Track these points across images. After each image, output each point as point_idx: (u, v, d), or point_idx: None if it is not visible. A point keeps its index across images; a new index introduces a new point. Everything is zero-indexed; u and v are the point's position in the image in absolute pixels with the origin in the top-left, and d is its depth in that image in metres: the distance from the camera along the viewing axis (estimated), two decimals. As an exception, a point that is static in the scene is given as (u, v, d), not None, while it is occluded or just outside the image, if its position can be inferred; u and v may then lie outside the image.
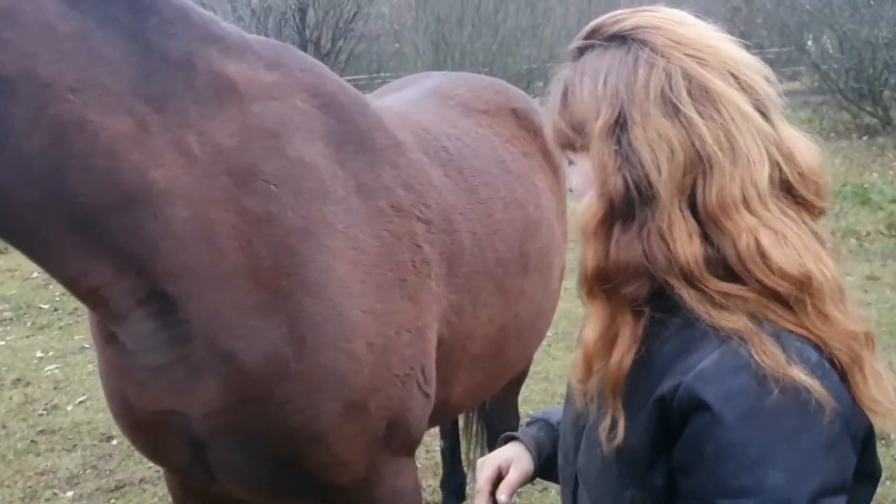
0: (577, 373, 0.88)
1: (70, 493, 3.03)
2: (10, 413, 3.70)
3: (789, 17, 11.58)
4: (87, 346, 4.34)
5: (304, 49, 11.05)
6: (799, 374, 0.76)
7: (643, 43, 0.84)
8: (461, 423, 2.80)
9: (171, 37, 1.21)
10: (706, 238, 0.81)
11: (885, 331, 3.82)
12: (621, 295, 0.84)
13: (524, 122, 2.12)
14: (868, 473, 0.85)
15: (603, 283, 0.84)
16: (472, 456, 2.72)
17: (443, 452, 2.83)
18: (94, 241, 1.17)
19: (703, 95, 0.81)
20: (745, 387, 0.77)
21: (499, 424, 2.63)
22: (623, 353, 0.84)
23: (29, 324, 4.90)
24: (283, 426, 1.32)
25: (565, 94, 0.89)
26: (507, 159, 1.94)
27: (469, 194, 1.71)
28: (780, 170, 0.83)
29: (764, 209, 0.81)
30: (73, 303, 4.32)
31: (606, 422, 0.85)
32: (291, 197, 1.29)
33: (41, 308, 5.11)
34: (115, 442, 3.34)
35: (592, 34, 0.89)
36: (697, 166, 0.81)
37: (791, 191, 0.83)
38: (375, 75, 12.02)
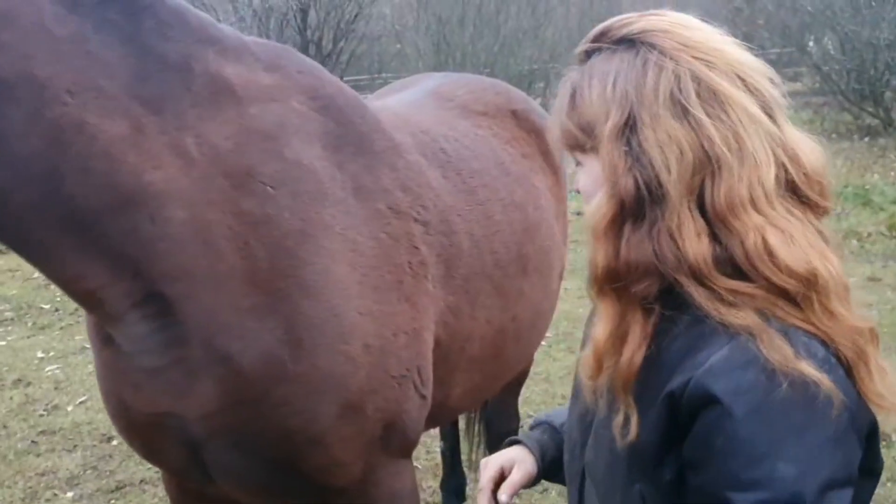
0: (588, 370, 0.89)
1: (70, 494, 3.03)
2: (11, 413, 3.70)
3: (791, 19, 11.57)
4: (88, 346, 4.33)
5: (306, 50, 11.06)
6: (808, 369, 0.78)
7: (652, 46, 0.86)
8: (462, 424, 2.80)
9: (169, 39, 1.21)
10: (714, 237, 0.83)
11: (886, 332, 3.82)
12: (631, 293, 0.85)
13: (524, 124, 2.12)
14: (871, 468, 0.87)
15: (613, 281, 0.86)
16: (473, 457, 2.72)
17: (443, 453, 2.83)
18: (90, 242, 1.17)
19: (711, 97, 0.83)
20: (754, 381, 0.79)
21: (499, 425, 2.63)
22: (633, 351, 0.85)
23: (30, 324, 4.90)
24: (280, 428, 1.32)
25: (573, 96, 0.90)
26: (507, 161, 1.94)
27: (467, 196, 1.71)
28: (786, 170, 0.85)
29: (770, 209, 0.83)
30: (74, 303, 4.31)
31: (619, 418, 0.87)
32: (289, 199, 1.30)
33: (42, 308, 5.11)
34: (115, 442, 3.34)
35: (600, 38, 0.91)
36: (706, 167, 0.83)
37: (796, 191, 0.85)
38: (377, 76, 12.03)
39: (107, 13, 1.16)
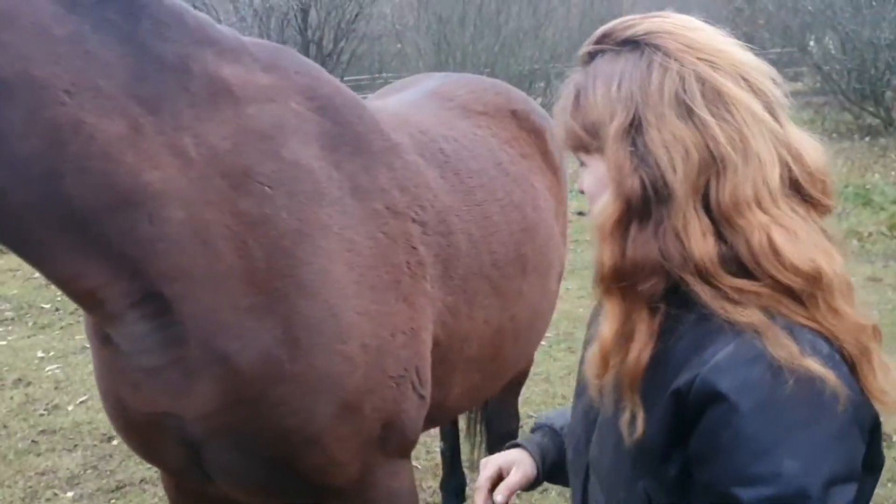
0: (594, 368, 0.90)
1: (70, 494, 3.03)
2: (11, 413, 3.70)
3: (791, 19, 11.56)
4: (89, 346, 4.34)
5: (307, 49, 11.06)
6: (813, 365, 0.79)
7: (656, 47, 0.87)
8: (463, 425, 2.80)
9: (166, 39, 1.21)
10: (720, 236, 0.84)
11: (886, 332, 3.79)
12: (637, 292, 0.86)
13: (524, 124, 2.12)
14: (872, 464, 0.87)
15: (620, 281, 0.86)
16: (475, 457, 2.72)
17: (443, 453, 2.83)
18: (89, 242, 1.17)
19: (715, 98, 0.84)
20: (759, 377, 0.80)
21: (499, 426, 2.63)
22: (640, 349, 0.86)
23: (30, 324, 4.91)
24: (278, 428, 1.32)
25: (578, 97, 0.91)
26: (505, 161, 1.94)
27: (465, 196, 1.71)
28: (790, 169, 0.86)
29: (775, 207, 0.84)
30: (74, 303, 4.31)
31: (625, 416, 0.87)
32: (286, 199, 1.30)
33: (42, 308, 5.11)
34: (115, 442, 3.34)
35: (603, 39, 0.92)
36: (711, 167, 0.83)
37: (800, 190, 0.86)
38: (377, 76, 12.02)
39: (105, 13, 1.16)
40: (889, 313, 4.25)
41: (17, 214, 1.12)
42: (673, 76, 0.85)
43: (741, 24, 12.40)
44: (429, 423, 1.70)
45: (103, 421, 3.50)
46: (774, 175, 0.84)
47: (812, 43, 11.67)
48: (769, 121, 0.85)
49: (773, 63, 0.93)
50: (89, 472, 3.19)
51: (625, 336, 0.87)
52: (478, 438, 2.76)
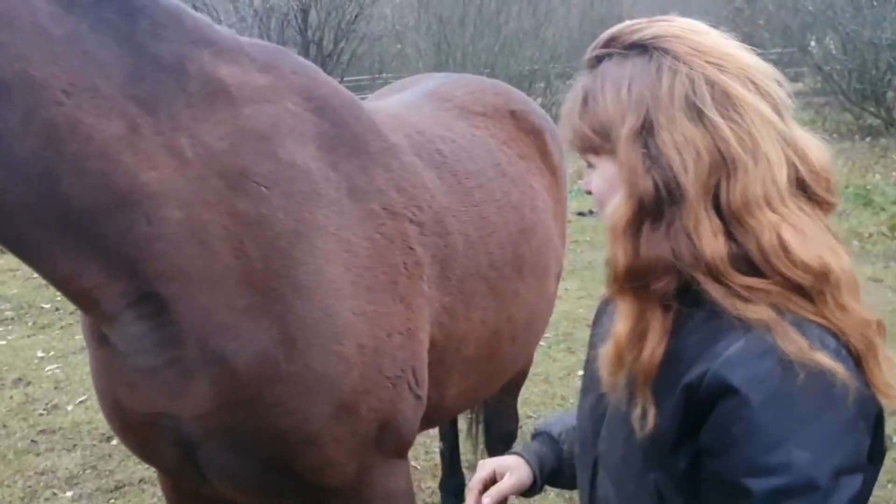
0: (609, 366, 0.91)
1: (70, 493, 3.03)
2: (11, 413, 3.71)
3: (792, 19, 11.56)
4: (88, 346, 4.34)
5: (307, 50, 11.06)
6: (823, 359, 0.81)
7: (665, 51, 0.88)
8: (464, 425, 2.79)
9: (164, 40, 1.21)
10: (730, 236, 0.86)
11: (887, 333, 3.79)
12: (651, 291, 0.88)
13: (523, 125, 2.12)
14: (876, 454, 0.90)
15: (634, 280, 0.88)
16: (475, 458, 2.72)
17: (442, 454, 2.83)
18: (86, 242, 1.17)
19: (724, 100, 0.86)
20: (770, 371, 0.82)
21: (498, 426, 2.63)
22: (654, 346, 0.88)
23: (30, 323, 4.91)
24: (274, 428, 1.32)
25: (586, 99, 0.93)
26: (504, 161, 1.94)
27: (463, 197, 1.71)
28: (796, 169, 0.88)
29: (783, 207, 0.86)
30: (74, 303, 4.27)
31: (638, 410, 0.89)
32: (283, 199, 1.30)
33: (42, 308, 5.11)
34: (114, 442, 3.34)
35: (610, 43, 0.93)
36: (721, 168, 0.85)
37: (805, 188, 0.89)
38: (377, 76, 12.03)
39: (103, 13, 1.16)
40: (889, 314, 4.24)
41: (14, 214, 1.12)
42: (682, 79, 0.87)
43: (741, 25, 12.39)
44: (426, 424, 1.70)
45: (103, 421, 3.49)
46: (782, 175, 0.86)
47: (813, 43, 11.67)
48: (777, 122, 0.87)
49: (774, 63, 0.95)
50: (88, 471, 3.19)
51: (638, 334, 0.89)
52: (477, 439, 2.76)
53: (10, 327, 4.86)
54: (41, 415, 3.69)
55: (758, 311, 0.84)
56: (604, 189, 0.94)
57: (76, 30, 1.13)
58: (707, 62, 0.87)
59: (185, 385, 1.29)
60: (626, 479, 0.95)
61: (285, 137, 1.34)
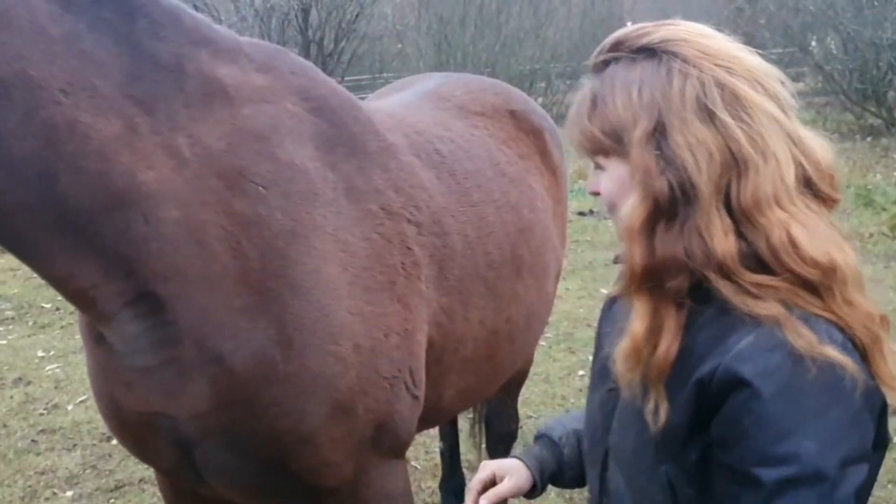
0: (626, 362, 0.94)
1: (70, 493, 3.04)
2: (11, 412, 3.71)
3: (793, 19, 11.54)
4: (88, 345, 4.34)
5: (307, 49, 11.06)
6: (832, 353, 0.84)
7: (674, 55, 0.91)
8: (466, 426, 2.79)
9: (162, 39, 1.21)
10: (740, 234, 0.89)
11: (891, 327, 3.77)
12: (665, 289, 0.91)
13: (523, 124, 2.12)
14: (879, 443, 0.92)
15: (650, 279, 0.91)
16: (480, 458, 2.72)
17: (442, 454, 2.82)
18: (83, 242, 1.17)
19: (734, 102, 0.89)
20: (780, 364, 0.84)
21: (498, 426, 2.62)
22: (669, 343, 0.90)
23: (30, 323, 4.91)
24: (271, 428, 1.32)
25: (595, 102, 0.95)
26: (503, 161, 1.94)
27: (461, 197, 1.71)
28: (803, 167, 0.91)
29: (792, 205, 0.89)
30: (74, 302, 4.25)
31: (651, 405, 0.92)
32: (281, 199, 1.30)
33: (43, 307, 5.11)
34: (115, 442, 3.34)
35: (617, 47, 0.95)
36: (732, 168, 0.88)
37: (811, 186, 0.91)
38: (378, 76, 12.03)
39: (101, 12, 1.16)
40: (890, 314, 4.23)
41: (12, 214, 1.12)
42: (693, 82, 0.89)
43: (742, 24, 12.38)
44: (424, 424, 1.70)
45: (102, 420, 3.50)
46: (790, 174, 0.89)
47: (814, 43, 11.66)
48: (784, 121, 0.90)
49: (775, 63, 0.97)
50: (88, 471, 3.19)
51: (654, 331, 0.91)
52: (479, 439, 2.76)
53: (10, 327, 4.86)
54: (41, 414, 3.69)
55: (767, 308, 0.86)
56: (614, 191, 0.96)
57: (74, 29, 1.13)
58: (716, 65, 0.90)
59: (182, 385, 1.29)
60: (637, 471, 0.98)
61: (283, 137, 1.34)
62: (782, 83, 0.93)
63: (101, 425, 3.49)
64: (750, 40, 1.00)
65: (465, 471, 2.82)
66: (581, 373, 3.89)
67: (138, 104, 1.17)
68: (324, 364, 1.32)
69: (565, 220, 2.30)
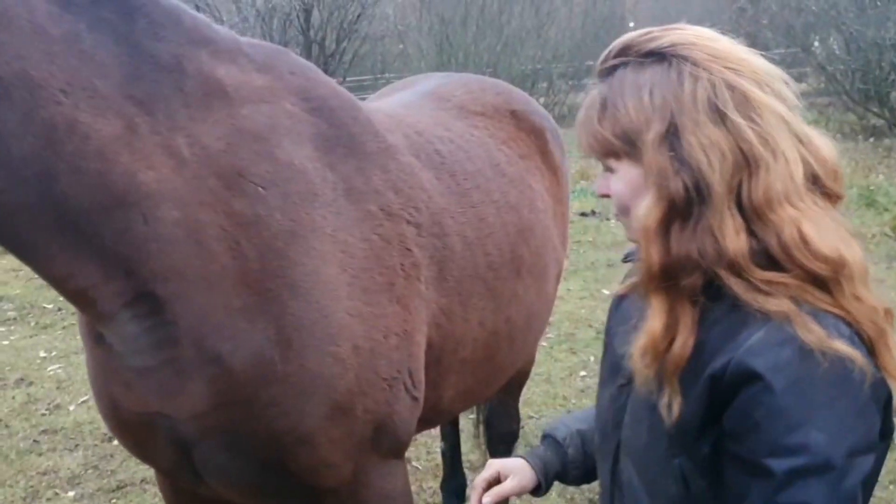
0: (645, 359, 0.96)
1: (72, 493, 3.04)
2: (13, 412, 3.71)
3: (795, 19, 11.53)
4: (90, 345, 4.34)
5: (309, 50, 11.06)
6: (842, 346, 0.87)
7: (684, 58, 0.93)
8: (468, 426, 2.79)
9: (161, 39, 1.21)
10: (750, 232, 0.91)
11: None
12: (680, 287, 0.93)
13: (523, 124, 2.11)
14: (885, 432, 0.94)
15: (667, 278, 0.93)
16: (484, 458, 2.71)
17: (443, 454, 2.82)
18: (83, 242, 1.17)
19: (744, 102, 0.91)
20: (790, 358, 0.87)
21: (499, 426, 2.62)
22: (685, 338, 0.93)
23: (32, 323, 4.92)
24: (269, 429, 1.32)
25: (604, 106, 0.97)
26: (502, 162, 1.93)
27: (461, 198, 1.71)
28: (810, 165, 0.93)
29: (801, 201, 0.91)
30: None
31: (665, 399, 0.94)
32: (280, 200, 1.30)
33: (45, 308, 5.12)
34: (116, 442, 3.34)
35: (625, 52, 0.98)
36: (744, 168, 0.90)
37: (818, 182, 0.94)
38: (380, 76, 12.04)
39: (101, 12, 1.16)
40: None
41: (12, 214, 1.12)
42: (704, 84, 0.91)
43: (745, 25, 12.37)
44: (424, 425, 1.70)
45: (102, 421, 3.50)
46: (799, 171, 0.91)
47: (816, 43, 11.65)
48: (791, 121, 0.92)
49: (777, 63, 0.99)
50: (90, 471, 3.19)
51: (670, 328, 0.94)
52: (480, 439, 2.76)
53: (12, 327, 4.87)
54: (43, 415, 3.70)
55: (777, 304, 0.89)
56: (626, 193, 0.98)
57: (74, 29, 1.12)
58: (725, 67, 0.92)
59: (181, 385, 1.29)
60: (650, 465, 1.00)
61: (282, 138, 1.34)
62: (786, 83, 0.95)
63: (103, 426, 3.48)
64: (752, 41, 1.01)
65: (466, 471, 2.82)
66: (583, 373, 3.89)
67: (138, 104, 1.17)
68: (322, 365, 1.32)
69: (566, 221, 2.30)
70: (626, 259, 1.15)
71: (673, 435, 0.95)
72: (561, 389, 3.74)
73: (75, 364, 4.21)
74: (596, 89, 0.99)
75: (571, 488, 2.81)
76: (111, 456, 3.28)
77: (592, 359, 3.98)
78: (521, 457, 1.28)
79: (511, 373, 2.03)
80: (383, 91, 2.42)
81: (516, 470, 1.25)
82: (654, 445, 0.99)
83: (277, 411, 1.31)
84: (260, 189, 1.28)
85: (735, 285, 0.90)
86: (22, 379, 4.08)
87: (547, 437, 1.30)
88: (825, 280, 0.90)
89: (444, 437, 2.80)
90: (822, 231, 0.90)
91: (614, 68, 0.97)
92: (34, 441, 3.44)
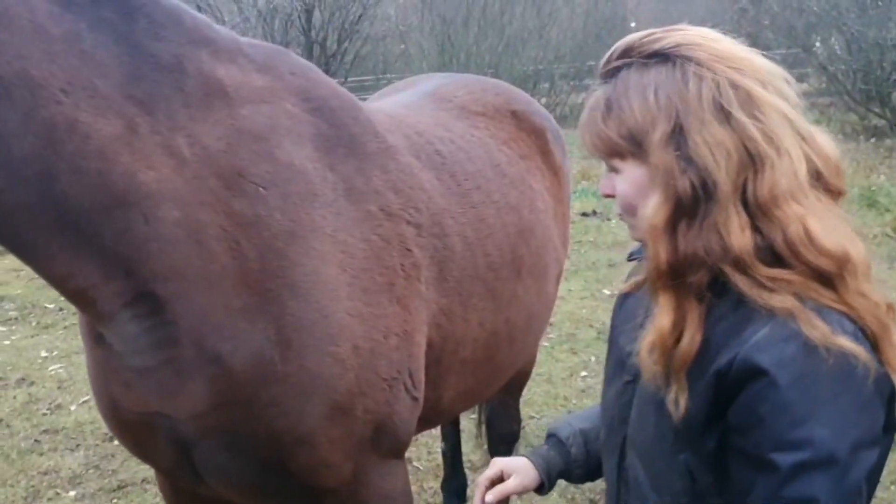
0: (653, 356, 0.97)
1: (73, 493, 3.04)
2: (14, 412, 3.72)
3: (796, 19, 11.52)
4: (91, 345, 4.34)
5: (310, 50, 11.07)
6: (846, 342, 0.88)
7: (688, 59, 0.94)
8: (469, 426, 2.78)
9: (162, 39, 1.22)
10: (755, 229, 0.92)
11: None
12: (687, 285, 0.94)
13: (524, 125, 2.11)
14: (888, 427, 0.95)
15: (675, 276, 0.94)
16: (483, 458, 2.71)
17: (444, 454, 2.82)
18: (83, 242, 1.17)
19: (748, 101, 0.92)
20: (795, 353, 0.88)
21: (500, 427, 2.62)
22: (692, 335, 0.94)
23: (34, 323, 4.92)
24: (269, 429, 1.32)
25: (609, 106, 0.98)
26: (503, 162, 1.93)
27: (461, 198, 1.71)
28: (813, 162, 0.94)
29: (805, 198, 0.92)
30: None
31: (672, 395, 0.95)
32: (280, 200, 1.30)
33: (46, 308, 5.13)
34: (117, 442, 3.34)
35: (628, 53, 0.98)
36: (749, 166, 0.91)
37: (820, 179, 0.95)
38: (381, 76, 12.04)
39: (101, 12, 1.16)
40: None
41: (12, 214, 1.12)
42: (709, 84, 0.92)
43: (746, 25, 12.37)
44: (424, 425, 1.70)
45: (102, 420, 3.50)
46: (802, 169, 0.92)
47: (817, 44, 11.64)
48: (793, 119, 0.93)
49: (779, 64, 0.99)
50: (91, 471, 3.19)
51: (677, 324, 0.95)
52: (480, 440, 2.76)
53: (13, 327, 4.87)
54: (44, 414, 3.70)
55: (782, 300, 0.90)
56: (631, 192, 0.98)
57: (74, 28, 1.12)
58: (728, 67, 0.93)
59: (181, 385, 1.29)
60: (656, 460, 1.01)
61: (283, 138, 1.34)
62: (787, 82, 0.96)
63: (104, 425, 3.49)
64: (754, 41, 1.02)
65: (467, 471, 2.82)
66: (583, 374, 3.89)
67: (138, 104, 1.17)
68: (322, 365, 1.32)
69: (567, 221, 2.30)
70: (630, 257, 1.16)
71: (679, 430, 0.96)
72: (562, 390, 3.74)
73: (76, 364, 4.21)
74: (599, 90, 0.99)
75: (573, 488, 2.81)
76: (112, 456, 3.29)
77: (593, 359, 3.98)
78: (524, 456, 1.29)
79: (511, 373, 2.03)
80: (384, 91, 2.42)
81: (519, 469, 1.26)
82: (660, 441, 1.00)
83: (277, 411, 1.31)
84: (260, 189, 1.28)
85: (740, 282, 0.91)
86: (23, 379, 4.09)
87: (550, 437, 1.31)
88: (829, 276, 0.90)
89: (444, 437, 2.80)
90: (827, 227, 0.91)
91: (618, 69, 0.98)
92: (35, 441, 3.44)
